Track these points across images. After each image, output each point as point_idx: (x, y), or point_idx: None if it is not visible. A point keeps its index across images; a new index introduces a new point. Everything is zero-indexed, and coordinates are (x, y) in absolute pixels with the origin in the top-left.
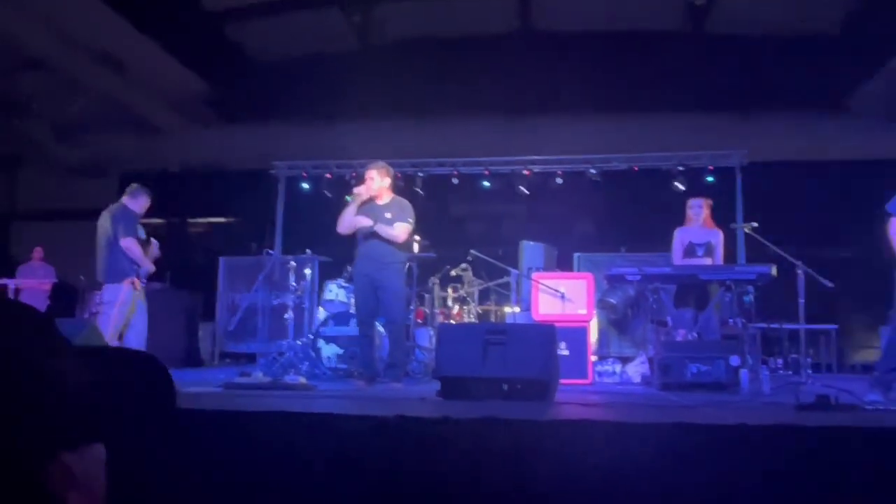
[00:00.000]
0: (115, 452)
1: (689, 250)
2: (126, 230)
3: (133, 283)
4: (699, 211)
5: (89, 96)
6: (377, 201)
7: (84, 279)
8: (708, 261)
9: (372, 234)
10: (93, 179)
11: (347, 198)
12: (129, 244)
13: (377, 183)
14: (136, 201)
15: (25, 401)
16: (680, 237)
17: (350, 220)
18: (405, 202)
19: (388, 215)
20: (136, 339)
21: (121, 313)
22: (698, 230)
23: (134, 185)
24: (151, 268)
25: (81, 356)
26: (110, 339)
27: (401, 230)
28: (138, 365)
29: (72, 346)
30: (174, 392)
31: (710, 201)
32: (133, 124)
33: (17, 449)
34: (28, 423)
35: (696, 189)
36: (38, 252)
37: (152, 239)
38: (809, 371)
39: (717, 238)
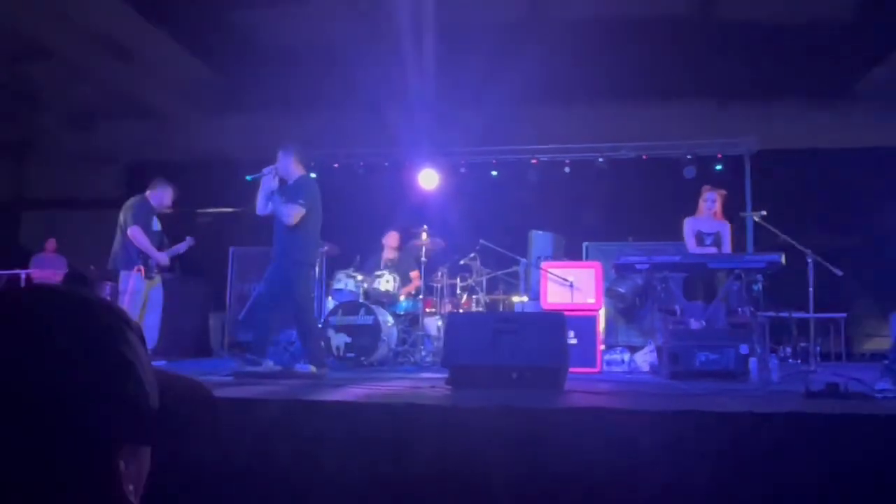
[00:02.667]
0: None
1: (699, 239)
2: (134, 219)
3: (140, 271)
4: (712, 205)
5: (97, 85)
6: (287, 183)
7: (94, 269)
8: (715, 251)
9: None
10: (101, 169)
11: (248, 177)
12: (135, 233)
13: (280, 162)
14: (157, 194)
15: (121, 389)
16: (689, 226)
17: (263, 203)
18: (305, 183)
19: (283, 199)
20: (148, 335)
21: (131, 302)
22: (708, 220)
23: (160, 179)
24: (160, 258)
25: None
26: None
27: (291, 213)
28: (186, 386)
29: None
30: (216, 415)
31: (723, 192)
32: (141, 113)
33: (105, 430)
34: (116, 412)
35: (705, 178)
36: (51, 243)
37: (188, 237)
38: (818, 359)
39: (726, 229)
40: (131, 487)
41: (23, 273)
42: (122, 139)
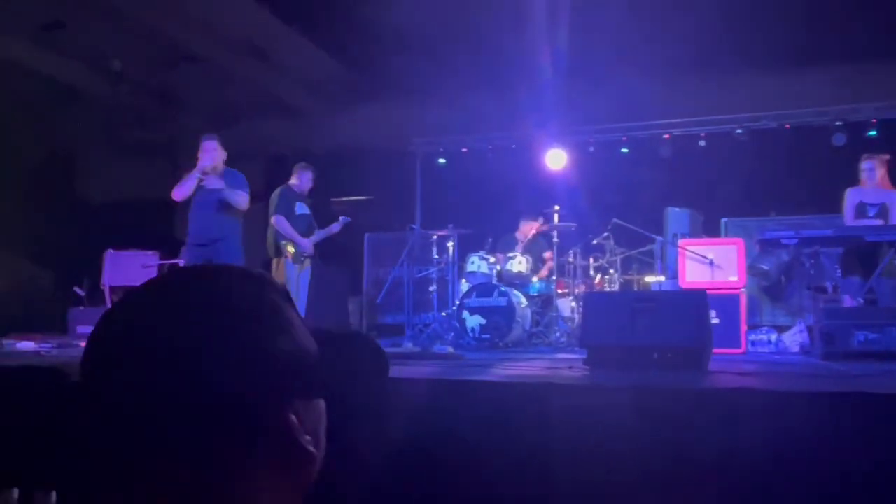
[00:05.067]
0: (331, 411)
1: (860, 211)
2: (277, 208)
3: (288, 257)
4: (872, 174)
5: (236, 85)
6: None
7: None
8: (880, 223)
9: (206, 205)
10: (243, 164)
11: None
12: (277, 221)
13: (215, 151)
14: (299, 179)
15: (276, 348)
16: (851, 197)
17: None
18: (235, 171)
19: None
20: None
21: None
22: (872, 190)
23: (300, 164)
24: (304, 245)
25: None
26: None
27: (245, 199)
28: (355, 341)
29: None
30: (386, 368)
31: (885, 158)
32: (276, 109)
33: (266, 390)
34: (276, 368)
35: (858, 145)
36: None
37: (341, 217)
38: None
39: (894, 199)
40: (308, 437)
41: (180, 262)
42: (260, 135)
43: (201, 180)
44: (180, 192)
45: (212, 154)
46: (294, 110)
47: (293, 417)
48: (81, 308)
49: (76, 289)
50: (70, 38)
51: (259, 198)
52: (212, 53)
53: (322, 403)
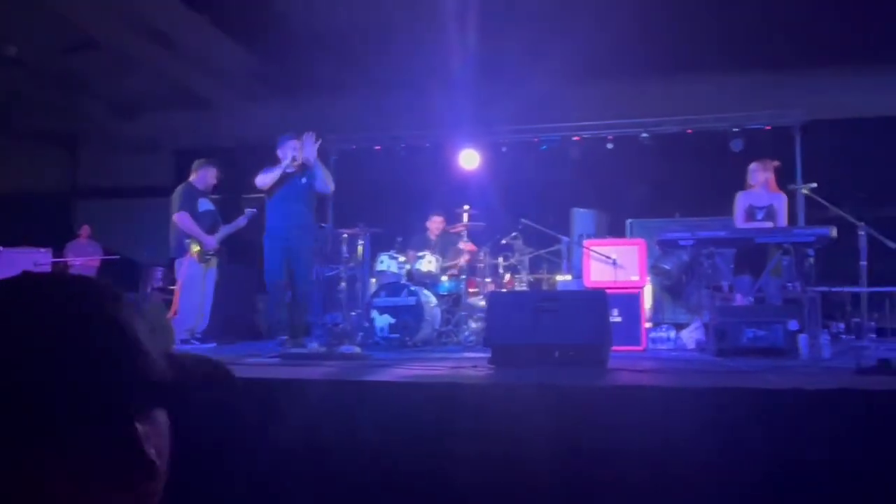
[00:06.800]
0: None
1: (750, 214)
2: (180, 205)
3: (193, 256)
4: (755, 175)
5: (142, 74)
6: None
7: (147, 255)
8: (769, 225)
9: (292, 198)
10: (149, 157)
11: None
12: (180, 218)
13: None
14: (201, 176)
15: (130, 358)
16: (740, 201)
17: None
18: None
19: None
20: (187, 316)
21: (187, 287)
22: (760, 193)
23: (200, 161)
24: (210, 242)
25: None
26: (188, 313)
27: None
28: (200, 361)
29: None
30: (231, 381)
31: (774, 163)
32: (185, 100)
33: (124, 400)
34: (131, 379)
35: (754, 150)
36: (84, 230)
37: (247, 210)
38: (873, 335)
39: (780, 201)
40: (153, 450)
41: (70, 260)
42: (168, 127)
43: (289, 171)
44: (263, 181)
45: (295, 152)
46: (202, 102)
47: (138, 427)
48: None
49: None
50: None
51: (166, 192)
52: (115, 39)
53: (165, 416)
